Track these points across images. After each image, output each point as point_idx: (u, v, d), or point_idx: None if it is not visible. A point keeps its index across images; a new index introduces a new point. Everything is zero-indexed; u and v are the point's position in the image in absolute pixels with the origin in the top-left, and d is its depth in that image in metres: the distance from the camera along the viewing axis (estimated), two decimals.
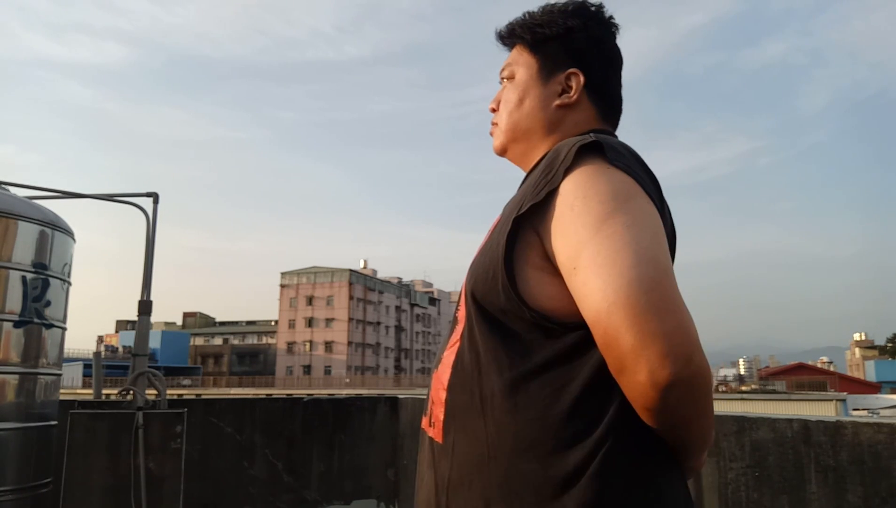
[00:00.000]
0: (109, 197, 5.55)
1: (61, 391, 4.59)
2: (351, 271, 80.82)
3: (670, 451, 0.95)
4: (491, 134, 1.24)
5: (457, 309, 1.10)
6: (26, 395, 4.04)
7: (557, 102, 1.13)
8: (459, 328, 1.06)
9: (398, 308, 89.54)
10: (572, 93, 1.13)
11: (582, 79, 1.13)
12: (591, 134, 1.02)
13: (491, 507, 0.93)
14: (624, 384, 0.86)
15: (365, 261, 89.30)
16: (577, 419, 0.90)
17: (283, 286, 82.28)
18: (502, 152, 1.22)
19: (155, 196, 5.45)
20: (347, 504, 5.22)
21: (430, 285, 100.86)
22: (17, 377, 3.99)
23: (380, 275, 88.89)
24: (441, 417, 1.03)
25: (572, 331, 0.93)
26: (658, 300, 0.82)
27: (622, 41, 1.20)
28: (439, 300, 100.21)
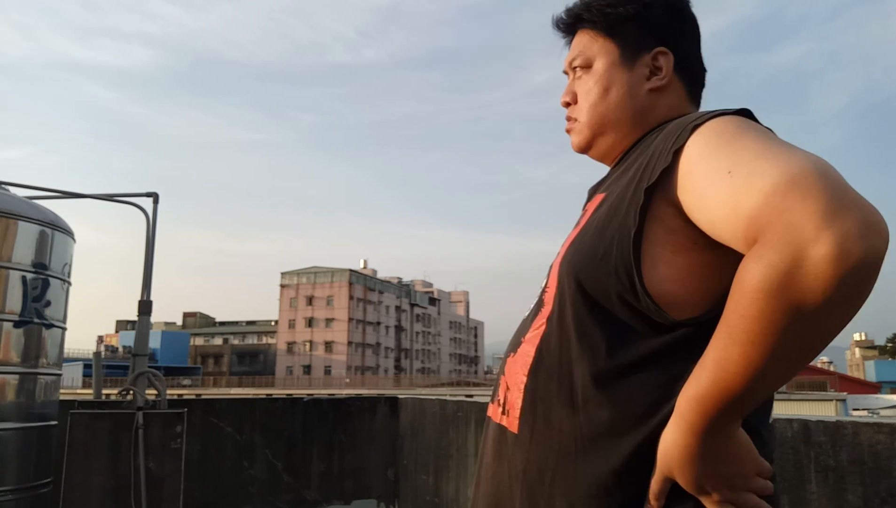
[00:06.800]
0: (109, 197, 5.55)
1: (61, 391, 4.59)
2: (351, 271, 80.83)
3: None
4: (568, 131, 1.13)
5: (543, 291, 1.01)
6: (26, 395, 4.04)
7: (649, 85, 1.03)
8: (546, 310, 0.97)
9: (398, 308, 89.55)
10: (663, 74, 1.03)
11: (672, 57, 1.03)
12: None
13: (576, 505, 0.85)
14: (791, 263, 0.66)
15: (365, 261, 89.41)
16: None
17: (283, 286, 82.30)
18: (586, 149, 1.11)
19: (155, 196, 5.45)
20: (347, 504, 5.22)
21: (430, 285, 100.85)
22: (17, 377, 3.99)
23: (380, 275, 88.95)
24: (519, 404, 0.94)
25: (680, 327, 0.85)
26: (845, 183, 0.68)
27: None
28: (439, 300, 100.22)
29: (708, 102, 1.11)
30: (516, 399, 0.96)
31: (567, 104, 1.13)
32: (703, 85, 1.10)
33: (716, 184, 0.77)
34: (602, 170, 1.13)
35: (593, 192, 1.08)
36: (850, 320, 0.70)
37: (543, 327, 0.96)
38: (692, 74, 1.07)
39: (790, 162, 0.71)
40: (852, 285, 0.65)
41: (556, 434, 0.89)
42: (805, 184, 0.67)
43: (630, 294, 0.86)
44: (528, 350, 0.97)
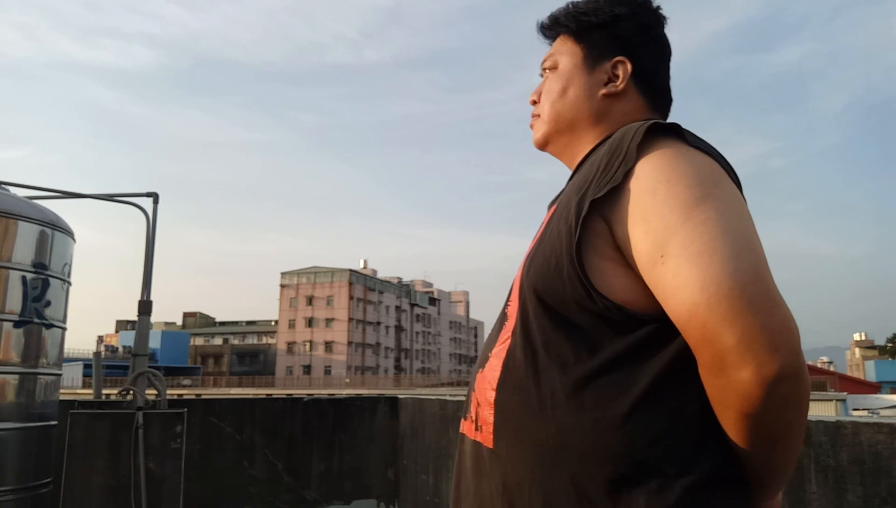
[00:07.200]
0: (109, 197, 5.55)
1: (61, 391, 4.59)
2: (351, 271, 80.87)
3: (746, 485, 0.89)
4: (531, 127, 1.17)
5: (506, 305, 1.03)
6: (26, 395, 4.04)
7: (603, 91, 1.08)
8: (510, 324, 0.98)
9: (398, 308, 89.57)
10: (619, 82, 1.07)
11: (629, 67, 1.07)
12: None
13: None
14: (721, 386, 0.80)
15: (365, 261, 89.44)
16: (653, 417, 0.84)
17: (283, 286, 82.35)
18: (543, 145, 1.15)
19: (155, 196, 5.45)
20: (347, 504, 5.22)
21: (430, 285, 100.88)
22: (17, 377, 3.99)
23: (380, 275, 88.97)
24: (491, 419, 0.95)
25: (643, 325, 0.87)
26: (763, 292, 0.77)
27: None
28: (439, 300, 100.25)
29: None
30: (488, 415, 0.96)
31: (534, 102, 1.18)
32: (667, 99, 1.14)
33: (649, 261, 0.85)
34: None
35: (550, 204, 1.11)
36: (801, 414, 0.81)
37: (508, 340, 0.97)
38: (653, 87, 1.10)
39: (708, 275, 0.78)
40: (776, 403, 0.77)
41: (530, 446, 0.90)
42: (721, 312, 0.77)
43: (587, 300, 0.88)
44: (495, 365, 0.98)
